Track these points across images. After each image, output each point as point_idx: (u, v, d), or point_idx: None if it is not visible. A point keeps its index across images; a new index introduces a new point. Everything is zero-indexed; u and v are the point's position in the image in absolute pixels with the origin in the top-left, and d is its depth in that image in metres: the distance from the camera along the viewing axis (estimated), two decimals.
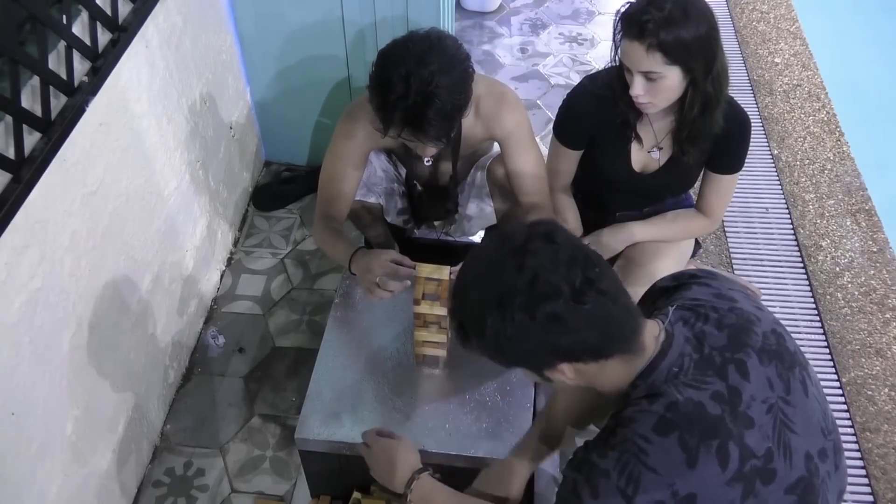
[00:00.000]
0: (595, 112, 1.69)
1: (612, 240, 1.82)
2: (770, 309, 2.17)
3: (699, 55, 1.47)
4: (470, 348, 1.06)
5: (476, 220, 2.00)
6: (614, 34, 1.52)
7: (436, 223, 2.12)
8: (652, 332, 1.06)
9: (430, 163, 1.81)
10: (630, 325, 1.03)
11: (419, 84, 1.41)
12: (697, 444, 0.98)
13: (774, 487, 1.00)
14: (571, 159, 1.81)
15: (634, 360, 1.05)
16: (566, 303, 0.95)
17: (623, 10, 1.51)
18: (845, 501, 1.84)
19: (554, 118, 1.81)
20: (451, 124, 1.49)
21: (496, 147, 1.88)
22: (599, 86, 1.66)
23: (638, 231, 1.82)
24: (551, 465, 1.57)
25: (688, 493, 0.96)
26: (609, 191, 1.86)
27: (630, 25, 1.47)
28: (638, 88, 1.51)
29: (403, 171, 1.95)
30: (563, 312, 0.96)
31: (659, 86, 1.50)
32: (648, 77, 1.49)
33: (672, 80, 1.49)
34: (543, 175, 1.76)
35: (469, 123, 1.69)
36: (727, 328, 1.07)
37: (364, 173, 1.79)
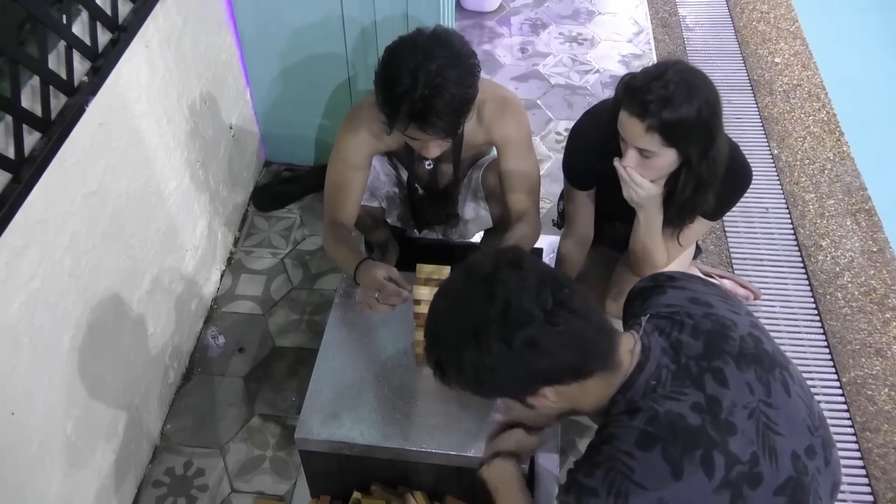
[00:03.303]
0: (597, 156, 1.61)
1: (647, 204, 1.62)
2: (770, 309, 2.20)
3: (698, 139, 1.43)
4: (450, 384, 1.06)
5: (473, 223, 1.99)
6: (616, 94, 1.47)
7: (437, 228, 2.11)
8: (627, 347, 1.07)
9: (432, 165, 1.81)
10: (605, 342, 1.03)
11: (427, 76, 1.40)
12: (681, 456, 0.99)
13: (763, 490, 1.00)
14: (585, 202, 1.75)
15: (613, 377, 1.05)
16: (540, 326, 0.96)
17: (626, 79, 1.45)
18: (845, 501, 1.84)
19: (562, 158, 1.75)
20: (458, 118, 1.48)
21: (495, 150, 1.88)
22: (599, 135, 1.57)
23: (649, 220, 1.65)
24: (552, 465, 1.57)
25: None
26: (604, 215, 1.82)
27: (632, 101, 1.42)
28: (630, 161, 1.49)
29: (405, 175, 1.95)
30: (539, 336, 0.97)
31: (652, 162, 1.47)
32: (643, 153, 1.46)
33: (666, 159, 1.47)
34: (535, 181, 1.74)
35: (471, 127, 1.69)
36: (703, 335, 1.08)
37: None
